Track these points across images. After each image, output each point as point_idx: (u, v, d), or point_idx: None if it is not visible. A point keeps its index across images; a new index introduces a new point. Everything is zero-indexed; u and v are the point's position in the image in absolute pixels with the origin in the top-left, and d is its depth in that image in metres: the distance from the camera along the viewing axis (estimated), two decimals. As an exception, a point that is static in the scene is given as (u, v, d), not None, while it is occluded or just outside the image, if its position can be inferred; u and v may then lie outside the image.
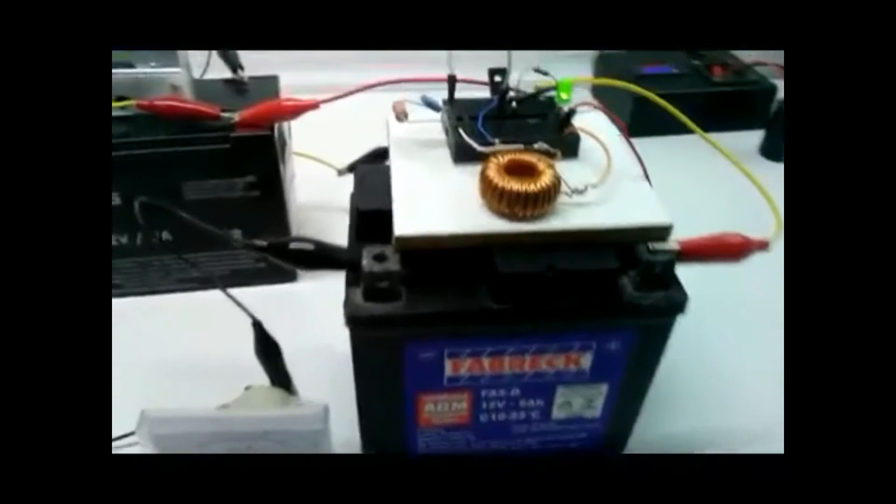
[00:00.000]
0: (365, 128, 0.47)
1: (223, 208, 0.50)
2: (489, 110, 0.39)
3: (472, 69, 0.40)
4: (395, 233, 0.33)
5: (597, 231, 0.34)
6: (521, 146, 0.36)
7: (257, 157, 0.48)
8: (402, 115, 0.37)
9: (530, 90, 0.40)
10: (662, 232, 0.35)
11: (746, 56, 0.86)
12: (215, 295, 0.39)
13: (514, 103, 0.39)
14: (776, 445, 0.27)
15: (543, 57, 0.39)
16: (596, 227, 0.34)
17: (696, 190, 0.57)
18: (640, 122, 0.78)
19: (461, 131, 0.37)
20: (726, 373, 0.50)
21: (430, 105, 0.38)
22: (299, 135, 0.60)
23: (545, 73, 0.39)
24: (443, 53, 0.38)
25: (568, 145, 0.38)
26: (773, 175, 0.38)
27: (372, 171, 0.39)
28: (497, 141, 0.36)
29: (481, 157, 0.36)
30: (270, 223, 0.52)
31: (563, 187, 0.34)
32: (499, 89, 0.39)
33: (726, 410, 0.47)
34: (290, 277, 0.56)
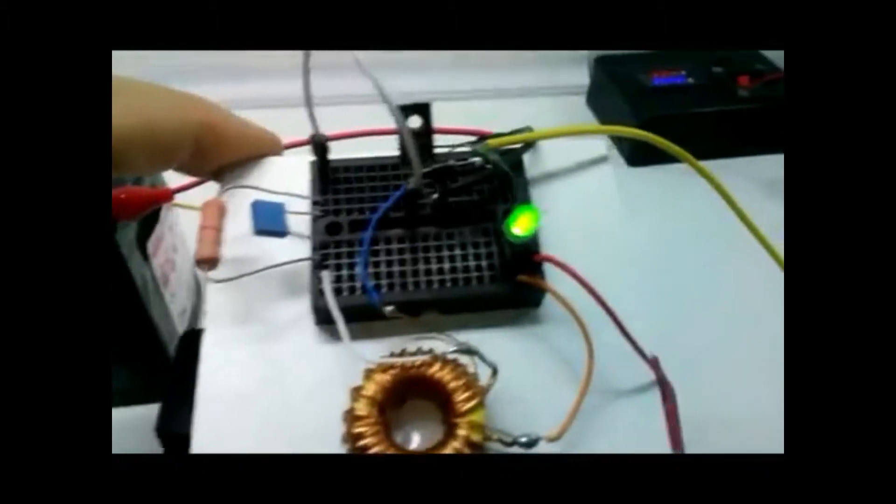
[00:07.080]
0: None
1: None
2: (386, 210, 0.21)
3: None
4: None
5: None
6: (425, 357, 0.18)
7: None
8: (204, 265, 0.19)
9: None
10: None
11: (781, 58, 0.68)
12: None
13: (434, 195, 0.22)
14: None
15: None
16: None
17: (719, 227, 0.41)
18: (644, 148, 0.62)
19: (323, 281, 0.20)
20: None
21: (269, 231, 0.20)
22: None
23: (493, 158, 0.22)
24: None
25: (523, 301, 0.21)
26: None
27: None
28: (389, 309, 0.19)
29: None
30: (135, 340, 0.35)
31: (496, 435, 0.17)
32: (406, 186, 0.21)
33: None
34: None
